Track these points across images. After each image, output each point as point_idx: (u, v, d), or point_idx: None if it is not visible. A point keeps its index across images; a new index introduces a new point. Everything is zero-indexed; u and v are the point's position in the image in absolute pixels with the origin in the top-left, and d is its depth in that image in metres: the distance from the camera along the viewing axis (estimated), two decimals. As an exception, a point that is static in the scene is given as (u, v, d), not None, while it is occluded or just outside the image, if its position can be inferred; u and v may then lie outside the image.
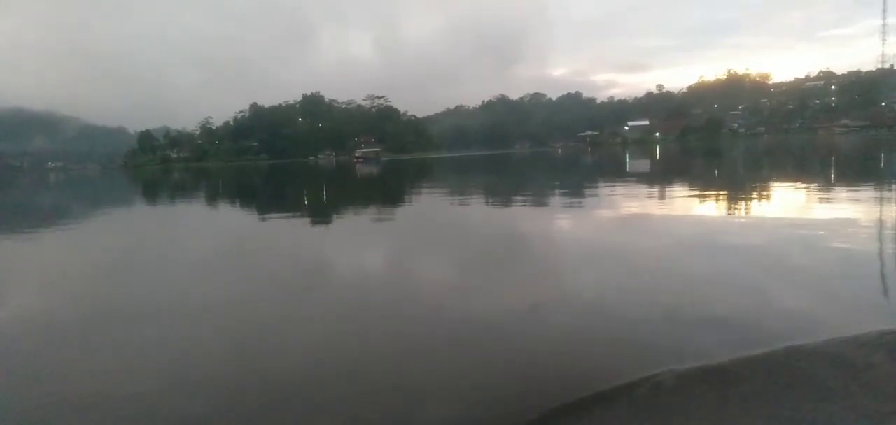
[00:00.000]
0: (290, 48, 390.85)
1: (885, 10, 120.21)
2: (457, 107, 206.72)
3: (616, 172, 27.18)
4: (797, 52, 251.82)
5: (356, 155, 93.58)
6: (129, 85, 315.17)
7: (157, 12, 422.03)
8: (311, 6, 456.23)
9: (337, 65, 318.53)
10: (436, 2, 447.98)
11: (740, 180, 18.09)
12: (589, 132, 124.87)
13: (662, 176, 23.25)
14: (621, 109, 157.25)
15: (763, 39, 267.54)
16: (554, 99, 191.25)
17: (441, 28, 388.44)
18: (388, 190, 23.76)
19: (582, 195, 15.60)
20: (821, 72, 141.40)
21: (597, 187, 18.54)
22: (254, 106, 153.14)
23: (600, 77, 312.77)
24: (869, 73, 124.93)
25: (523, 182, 23.65)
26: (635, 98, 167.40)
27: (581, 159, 48.59)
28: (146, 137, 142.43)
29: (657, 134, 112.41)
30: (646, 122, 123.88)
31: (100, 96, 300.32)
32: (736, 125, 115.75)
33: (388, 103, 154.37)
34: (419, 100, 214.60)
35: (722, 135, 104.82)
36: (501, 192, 18.08)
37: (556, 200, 14.70)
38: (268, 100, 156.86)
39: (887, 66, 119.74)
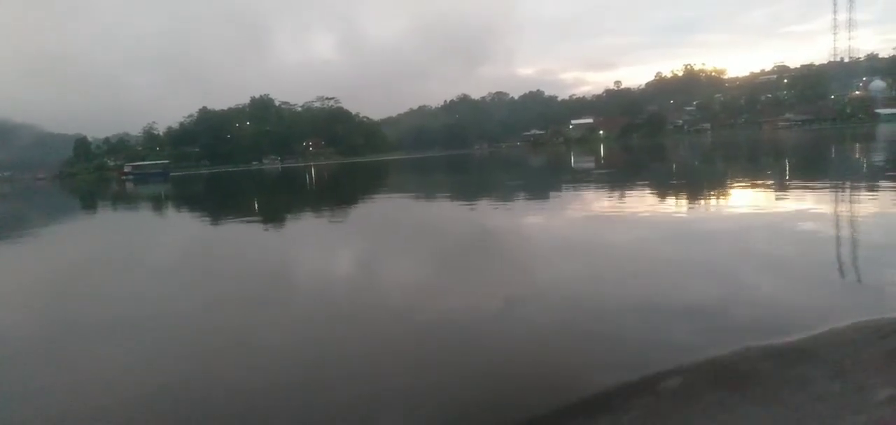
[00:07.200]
0: (253, 51, 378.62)
1: (835, 4, 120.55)
2: (420, 107, 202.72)
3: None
4: (760, 49, 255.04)
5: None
6: (88, 92, 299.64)
7: (117, 16, 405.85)
8: (273, 7, 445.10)
9: (301, 67, 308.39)
10: (401, 1, 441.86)
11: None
12: (534, 131, 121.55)
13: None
14: (580, 107, 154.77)
15: (728, 36, 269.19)
16: (516, 98, 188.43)
17: (406, 28, 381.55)
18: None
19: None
20: (775, 65, 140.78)
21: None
22: (203, 110, 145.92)
23: (569, 75, 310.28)
24: (820, 66, 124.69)
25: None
26: (594, 95, 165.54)
27: (522, 160, 47.27)
28: (82, 144, 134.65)
29: (600, 132, 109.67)
30: (590, 120, 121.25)
31: (58, 104, 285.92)
32: (680, 121, 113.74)
33: (339, 105, 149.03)
34: (383, 100, 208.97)
35: (665, 133, 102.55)
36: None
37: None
38: (227, 103, 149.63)
39: (838, 59, 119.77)
